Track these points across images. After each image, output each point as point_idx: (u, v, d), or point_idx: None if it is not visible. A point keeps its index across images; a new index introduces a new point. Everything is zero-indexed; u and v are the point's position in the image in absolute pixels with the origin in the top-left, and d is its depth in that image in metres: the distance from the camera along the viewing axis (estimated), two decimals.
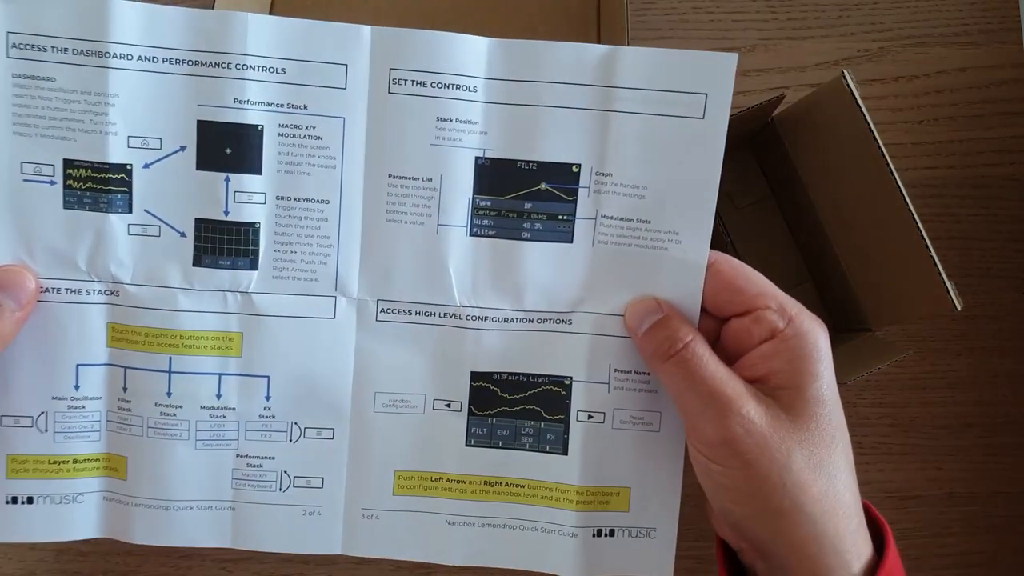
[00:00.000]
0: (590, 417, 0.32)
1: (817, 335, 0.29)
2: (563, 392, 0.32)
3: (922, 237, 0.37)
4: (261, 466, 0.32)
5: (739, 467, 0.27)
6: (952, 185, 0.49)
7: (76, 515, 0.32)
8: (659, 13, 0.51)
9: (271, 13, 0.50)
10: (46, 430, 0.31)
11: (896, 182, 0.38)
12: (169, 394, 0.31)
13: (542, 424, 0.32)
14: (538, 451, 0.32)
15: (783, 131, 0.45)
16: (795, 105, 0.44)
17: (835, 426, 0.28)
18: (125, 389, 0.31)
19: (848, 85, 0.38)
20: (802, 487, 0.26)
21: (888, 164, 0.38)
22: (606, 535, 0.32)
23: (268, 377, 0.31)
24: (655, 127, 0.30)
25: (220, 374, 0.31)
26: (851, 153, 0.40)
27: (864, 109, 0.38)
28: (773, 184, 0.48)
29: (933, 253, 0.37)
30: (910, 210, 0.37)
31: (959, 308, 0.37)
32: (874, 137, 0.38)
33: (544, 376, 0.32)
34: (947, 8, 0.51)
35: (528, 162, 0.30)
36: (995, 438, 0.48)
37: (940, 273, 0.37)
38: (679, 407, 0.29)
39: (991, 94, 0.50)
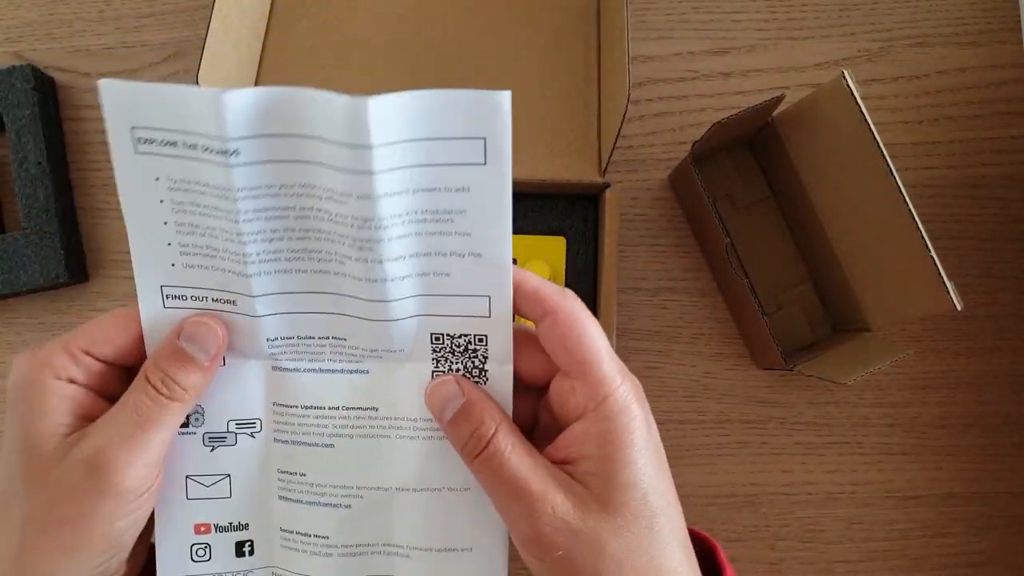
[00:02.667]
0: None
1: (631, 417, 0.27)
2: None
3: (922, 237, 0.37)
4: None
5: (553, 561, 0.27)
6: (952, 185, 0.49)
7: None
8: (659, 13, 0.51)
9: (269, 18, 0.50)
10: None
11: (896, 182, 0.38)
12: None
13: None
14: None
15: (783, 131, 0.45)
16: (795, 105, 0.44)
17: (653, 504, 0.27)
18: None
19: (848, 85, 0.38)
20: (619, 572, 0.26)
21: (888, 164, 0.38)
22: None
23: None
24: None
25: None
26: (851, 153, 0.40)
27: (864, 109, 0.38)
28: (773, 184, 0.48)
29: (933, 253, 0.37)
30: (910, 210, 0.37)
31: (959, 308, 0.37)
32: (874, 137, 0.38)
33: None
34: (947, 8, 0.51)
35: None
36: (995, 438, 0.48)
37: (940, 273, 0.37)
38: (492, 502, 0.29)
39: (991, 94, 0.50)
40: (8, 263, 0.47)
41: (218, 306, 0.28)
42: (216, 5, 0.43)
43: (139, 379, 0.27)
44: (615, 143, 0.41)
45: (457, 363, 0.29)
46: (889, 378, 0.48)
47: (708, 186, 0.48)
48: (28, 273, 0.47)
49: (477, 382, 0.29)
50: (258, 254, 0.27)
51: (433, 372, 0.30)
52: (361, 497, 0.30)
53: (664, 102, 0.50)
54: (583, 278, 0.46)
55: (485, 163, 0.26)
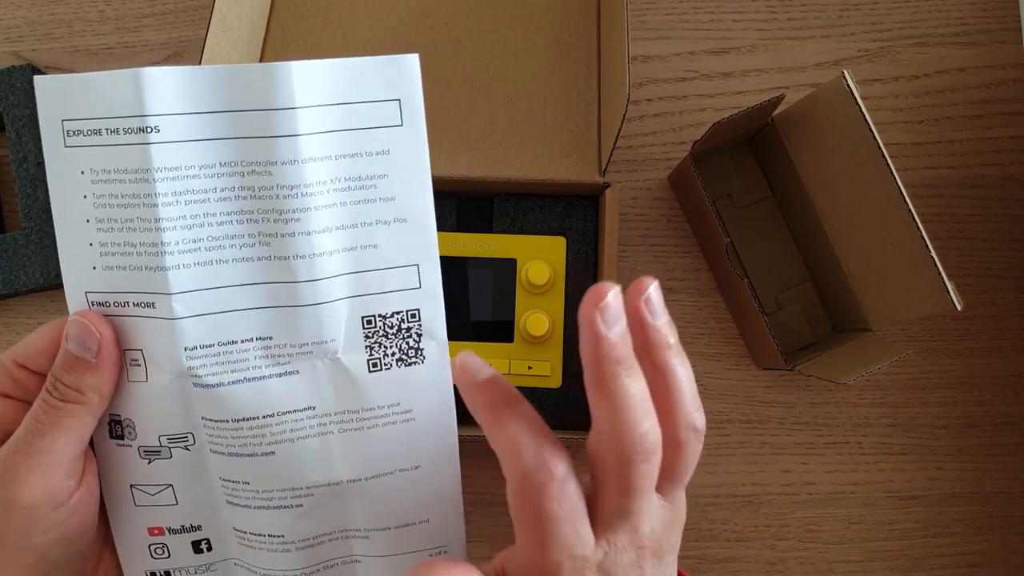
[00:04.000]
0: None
1: None
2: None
3: (922, 237, 0.37)
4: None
5: None
6: (952, 185, 0.49)
7: None
8: (659, 13, 0.51)
9: (269, 18, 0.50)
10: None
11: (896, 182, 0.38)
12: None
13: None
14: None
15: (783, 131, 0.45)
16: (795, 105, 0.44)
17: None
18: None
19: (848, 85, 0.38)
20: None
21: (888, 164, 0.38)
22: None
23: None
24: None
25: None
26: (851, 153, 0.40)
27: (864, 109, 0.38)
28: (773, 184, 0.48)
29: (933, 253, 0.37)
30: (910, 210, 0.37)
31: (959, 308, 0.37)
32: (874, 137, 0.38)
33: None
34: (947, 8, 0.51)
35: None
36: (995, 438, 0.48)
37: (940, 273, 0.37)
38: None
39: (991, 94, 0.50)
40: (8, 263, 0.47)
41: (140, 311, 0.27)
42: (216, 5, 0.43)
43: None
44: (615, 143, 0.41)
45: (392, 346, 0.29)
46: (889, 378, 0.48)
47: (708, 186, 0.48)
48: (28, 273, 0.47)
49: (414, 362, 0.29)
50: (177, 243, 0.26)
51: (368, 360, 0.29)
52: (312, 495, 0.30)
53: (664, 102, 0.50)
54: (583, 278, 0.46)
55: (402, 124, 0.28)
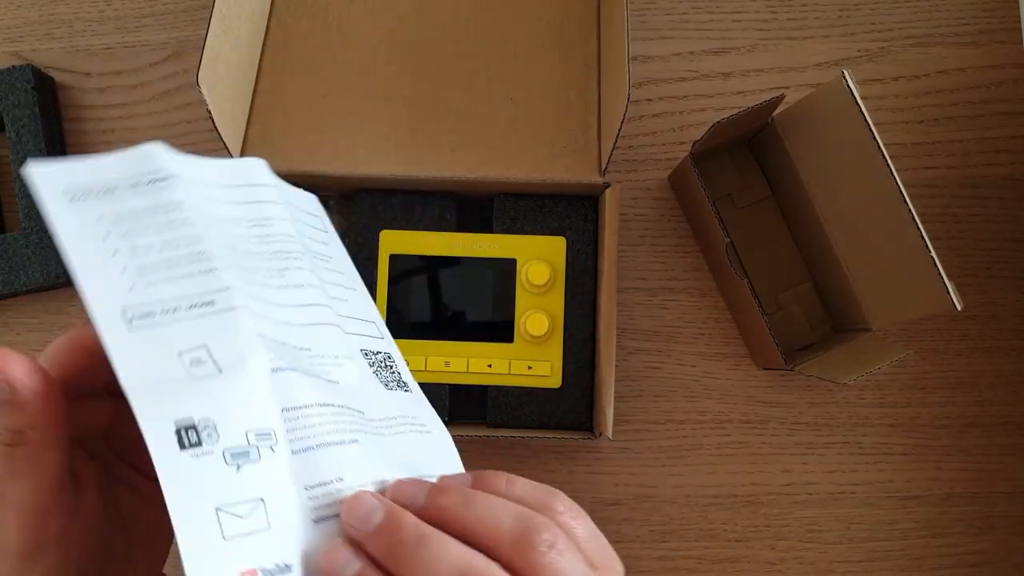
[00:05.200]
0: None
1: None
2: None
3: (922, 237, 0.37)
4: None
5: None
6: (952, 185, 0.49)
7: None
8: (659, 13, 0.51)
9: (269, 18, 0.50)
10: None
11: (896, 182, 0.38)
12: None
13: None
14: None
15: (783, 131, 0.45)
16: (795, 105, 0.44)
17: None
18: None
19: (848, 85, 0.38)
20: None
21: (888, 164, 0.38)
22: None
23: None
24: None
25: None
26: (851, 153, 0.40)
27: (864, 109, 0.38)
28: (773, 184, 0.48)
29: (933, 253, 0.37)
30: (910, 210, 0.37)
31: (959, 308, 0.37)
32: (874, 137, 0.38)
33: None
34: (947, 8, 0.51)
35: None
36: (995, 438, 0.48)
37: (940, 273, 0.37)
38: None
39: (991, 94, 0.50)
40: (8, 263, 0.47)
41: (196, 311, 0.25)
42: (216, 5, 0.43)
43: None
44: (615, 143, 0.41)
45: (385, 375, 0.32)
46: (889, 378, 0.48)
47: (708, 186, 0.48)
48: (28, 273, 0.47)
49: (407, 391, 0.33)
50: (219, 254, 0.27)
51: (380, 382, 0.32)
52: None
53: (664, 102, 0.50)
54: (583, 278, 0.46)
55: (327, 231, 0.35)
